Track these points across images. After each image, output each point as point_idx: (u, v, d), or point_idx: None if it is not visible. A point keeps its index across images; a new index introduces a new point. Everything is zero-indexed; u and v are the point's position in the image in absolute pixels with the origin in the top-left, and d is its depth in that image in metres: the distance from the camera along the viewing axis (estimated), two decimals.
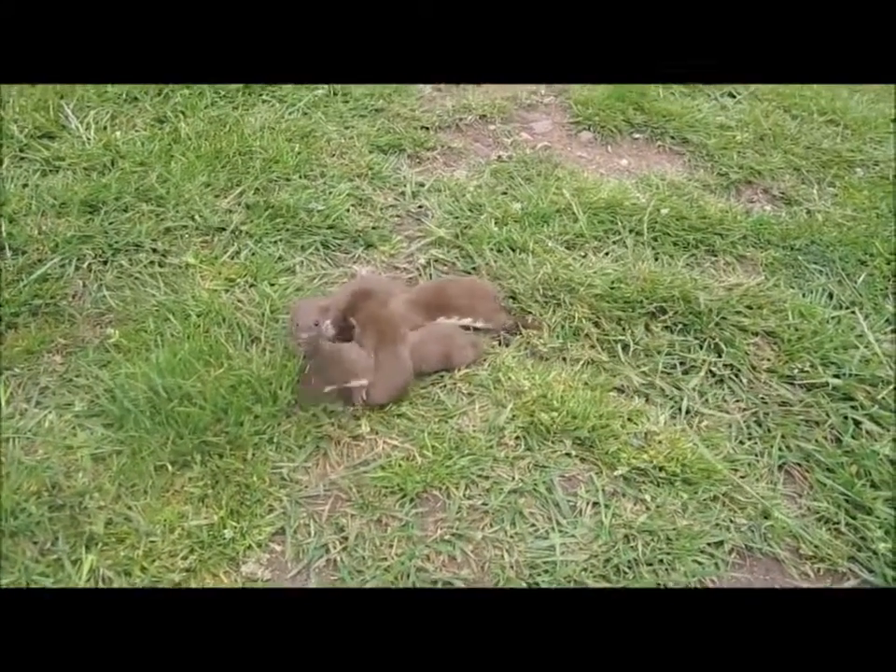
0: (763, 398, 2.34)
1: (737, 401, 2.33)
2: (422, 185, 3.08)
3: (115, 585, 1.75)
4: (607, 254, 2.79)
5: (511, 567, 1.85)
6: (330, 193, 2.93)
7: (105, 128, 3.18)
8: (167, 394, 2.07)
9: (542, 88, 3.81)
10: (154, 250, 2.63)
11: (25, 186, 2.84)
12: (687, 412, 2.28)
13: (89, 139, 3.09)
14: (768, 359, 2.44)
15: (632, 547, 1.91)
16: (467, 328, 2.40)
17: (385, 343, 2.20)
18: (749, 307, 2.59)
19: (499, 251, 2.74)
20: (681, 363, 2.42)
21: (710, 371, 2.40)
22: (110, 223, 2.70)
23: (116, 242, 2.62)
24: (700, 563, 1.90)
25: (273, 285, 2.53)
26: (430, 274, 2.66)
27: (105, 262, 2.57)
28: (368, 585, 1.79)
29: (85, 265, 2.54)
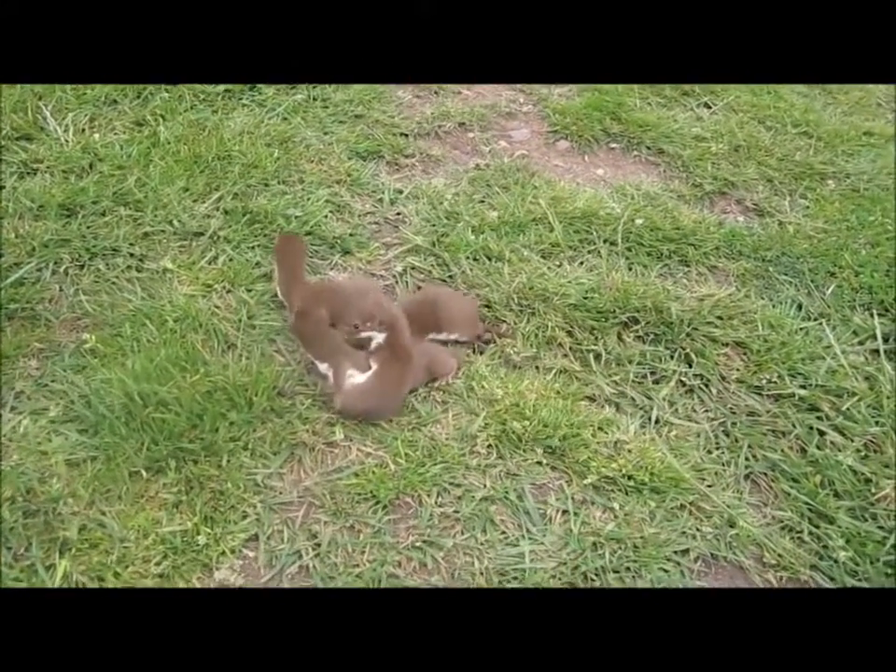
0: (731, 408, 2.39)
1: (706, 411, 2.38)
2: (400, 192, 3.10)
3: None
4: (581, 263, 2.83)
5: (481, 573, 1.89)
6: (309, 199, 2.95)
7: (83, 130, 3.18)
8: (142, 400, 2.08)
9: (521, 96, 3.86)
10: (131, 255, 2.64)
11: (2, 188, 2.83)
12: (657, 421, 2.32)
13: (67, 141, 3.09)
14: (737, 370, 2.49)
15: (600, 555, 1.94)
16: (445, 342, 2.45)
17: (397, 359, 2.22)
18: (720, 318, 2.64)
19: (475, 259, 2.77)
20: (652, 373, 2.46)
21: (680, 380, 2.45)
22: (88, 227, 2.70)
23: (93, 246, 2.63)
24: (666, 570, 1.94)
25: (249, 290, 2.55)
26: (406, 282, 2.68)
27: (83, 266, 2.58)
28: None
29: (62, 269, 2.55)
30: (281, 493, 2.00)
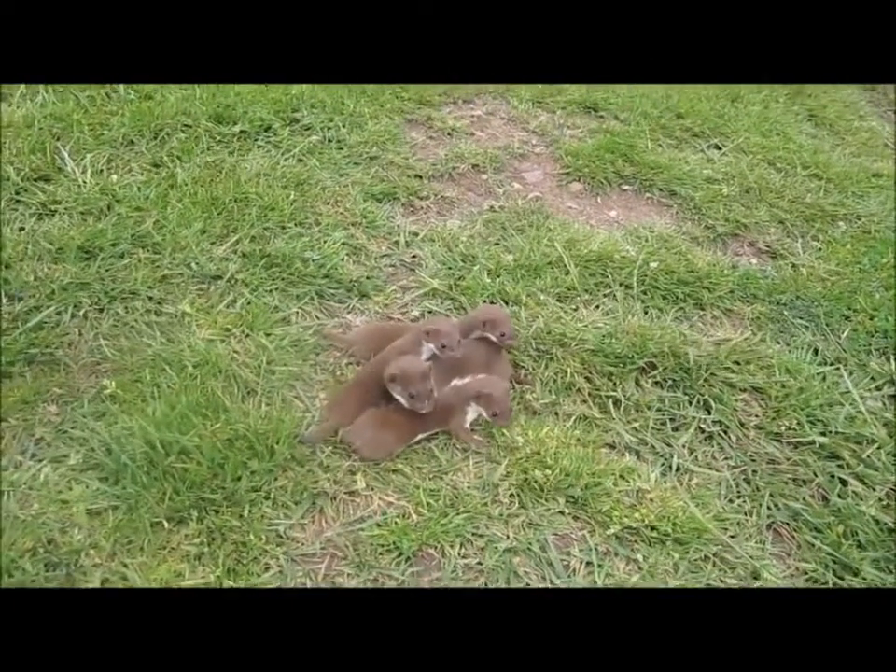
0: (751, 455, 2.38)
1: (726, 459, 2.38)
2: (416, 234, 3.12)
3: None
4: (597, 307, 2.84)
5: None
6: (325, 242, 2.96)
7: (101, 171, 3.19)
8: (164, 448, 2.07)
9: (533, 138, 3.89)
10: (150, 298, 2.64)
11: (22, 230, 2.84)
12: (677, 469, 2.31)
13: (85, 182, 3.10)
14: (756, 416, 2.49)
15: None
16: None
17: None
18: (737, 363, 2.64)
19: (492, 303, 2.77)
20: (671, 419, 2.46)
21: (700, 427, 2.45)
22: (107, 270, 2.71)
23: (112, 289, 2.63)
24: None
25: (268, 335, 2.54)
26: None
27: (102, 310, 2.58)
28: None
29: (81, 313, 2.54)
30: (303, 544, 1.99)
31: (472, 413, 2.29)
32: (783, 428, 2.45)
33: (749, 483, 2.31)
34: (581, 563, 2.02)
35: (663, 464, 2.32)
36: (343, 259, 2.91)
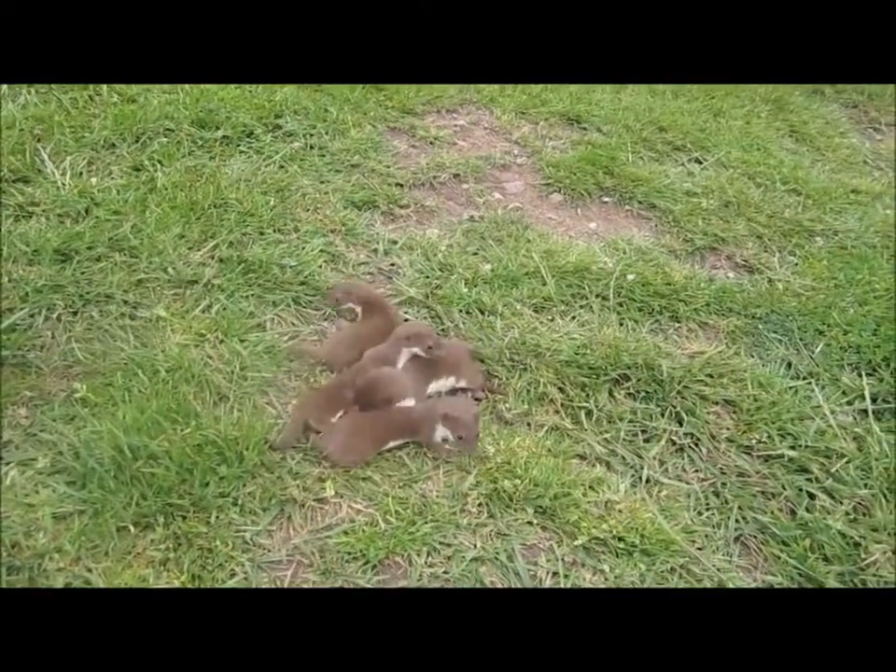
0: (721, 468, 2.40)
1: (696, 471, 2.39)
2: (394, 242, 3.12)
3: None
4: (573, 318, 2.85)
5: None
6: (303, 249, 2.97)
7: (80, 174, 3.19)
8: (132, 453, 2.07)
9: (515, 148, 3.91)
10: (125, 302, 2.63)
11: None
12: (647, 481, 2.32)
13: (64, 185, 3.09)
14: (728, 429, 2.51)
15: None
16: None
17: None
18: (711, 375, 2.66)
19: (468, 313, 2.79)
20: (643, 431, 2.47)
21: (671, 439, 2.46)
22: (82, 273, 2.70)
23: (87, 292, 2.62)
24: None
25: (243, 341, 2.54)
26: None
27: (76, 313, 2.57)
28: None
29: (55, 315, 2.53)
30: (270, 551, 1.99)
31: (441, 431, 2.28)
32: (754, 442, 2.46)
33: (717, 495, 2.32)
34: (548, 573, 2.03)
35: (633, 475, 2.33)
36: (320, 266, 2.91)
